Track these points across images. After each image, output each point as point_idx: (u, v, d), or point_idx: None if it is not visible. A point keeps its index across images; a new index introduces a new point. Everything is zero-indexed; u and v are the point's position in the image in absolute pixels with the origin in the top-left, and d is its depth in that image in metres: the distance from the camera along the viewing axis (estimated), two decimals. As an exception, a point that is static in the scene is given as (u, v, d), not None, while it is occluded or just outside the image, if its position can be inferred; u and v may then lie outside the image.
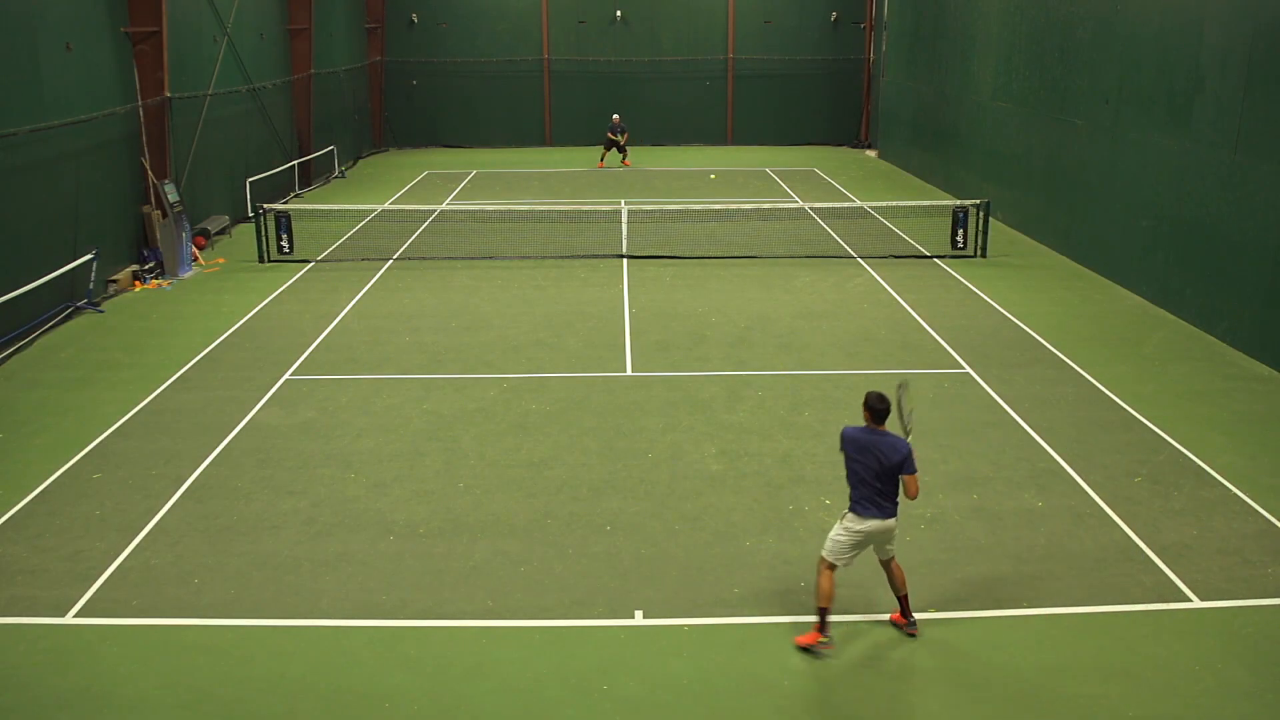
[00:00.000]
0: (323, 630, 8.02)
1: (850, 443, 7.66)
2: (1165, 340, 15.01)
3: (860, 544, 7.67)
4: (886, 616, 8.13)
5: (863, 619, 8.10)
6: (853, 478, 7.62)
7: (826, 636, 7.68)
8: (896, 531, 7.74)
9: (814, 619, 7.80)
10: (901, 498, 7.65)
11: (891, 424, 7.81)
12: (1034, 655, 7.64)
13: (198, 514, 9.84)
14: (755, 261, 19.81)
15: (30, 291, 15.10)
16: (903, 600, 7.90)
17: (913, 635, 7.86)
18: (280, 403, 12.69)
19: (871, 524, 7.57)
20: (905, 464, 7.52)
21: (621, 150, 33.20)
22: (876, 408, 7.66)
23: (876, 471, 7.50)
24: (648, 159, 34.69)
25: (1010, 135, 23.13)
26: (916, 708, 7.09)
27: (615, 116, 33.70)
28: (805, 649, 7.66)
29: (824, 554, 7.72)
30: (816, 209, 24.14)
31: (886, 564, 7.88)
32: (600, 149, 33.75)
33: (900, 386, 8.19)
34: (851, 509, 7.64)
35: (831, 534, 7.74)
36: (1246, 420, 12.00)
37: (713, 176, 31.13)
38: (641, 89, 38.16)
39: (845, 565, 7.73)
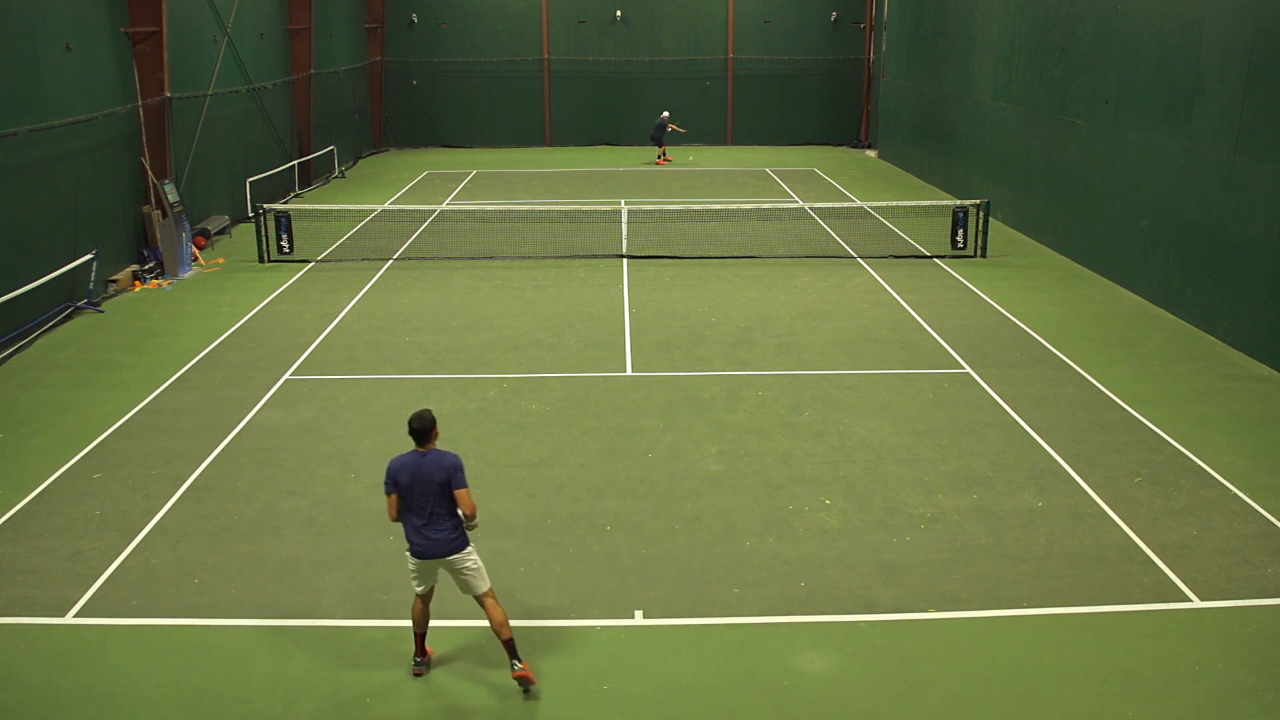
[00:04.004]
0: (323, 630, 8.02)
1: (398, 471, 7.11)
2: (1165, 340, 15.01)
3: (424, 573, 7.27)
4: (886, 616, 8.12)
5: (862, 619, 8.10)
6: (406, 509, 7.14)
7: (421, 658, 7.47)
8: (477, 564, 7.25)
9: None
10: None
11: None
12: (1034, 655, 7.64)
13: (198, 514, 9.84)
14: (755, 261, 19.81)
15: (30, 291, 15.11)
16: (507, 645, 7.19)
17: (528, 687, 7.21)
18: (280, 403, 12.69)
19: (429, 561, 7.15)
20: (454, 478, 7.07)
21: (660, 144, 34.05)
22: (415, 427, 7.11)
23: (424, 494, 7.05)
24: (648, 159, 34.69)
25: (1010, 135, 23.13)
26: (917, 707, 7.09)
27: (665, 114, 34.30)
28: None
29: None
30: (816, 209, 24.14)
31: (479, 600, 7.29)
32: (657, 149, 34.46)
33: None
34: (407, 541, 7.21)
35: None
36: (1246, 420, 12.00)
37: (691, 159, 31.38)
38: (641, 89, 38.16)
39: (424, 591, 7.34)
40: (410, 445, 7.39)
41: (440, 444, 11.26)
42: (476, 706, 7.16)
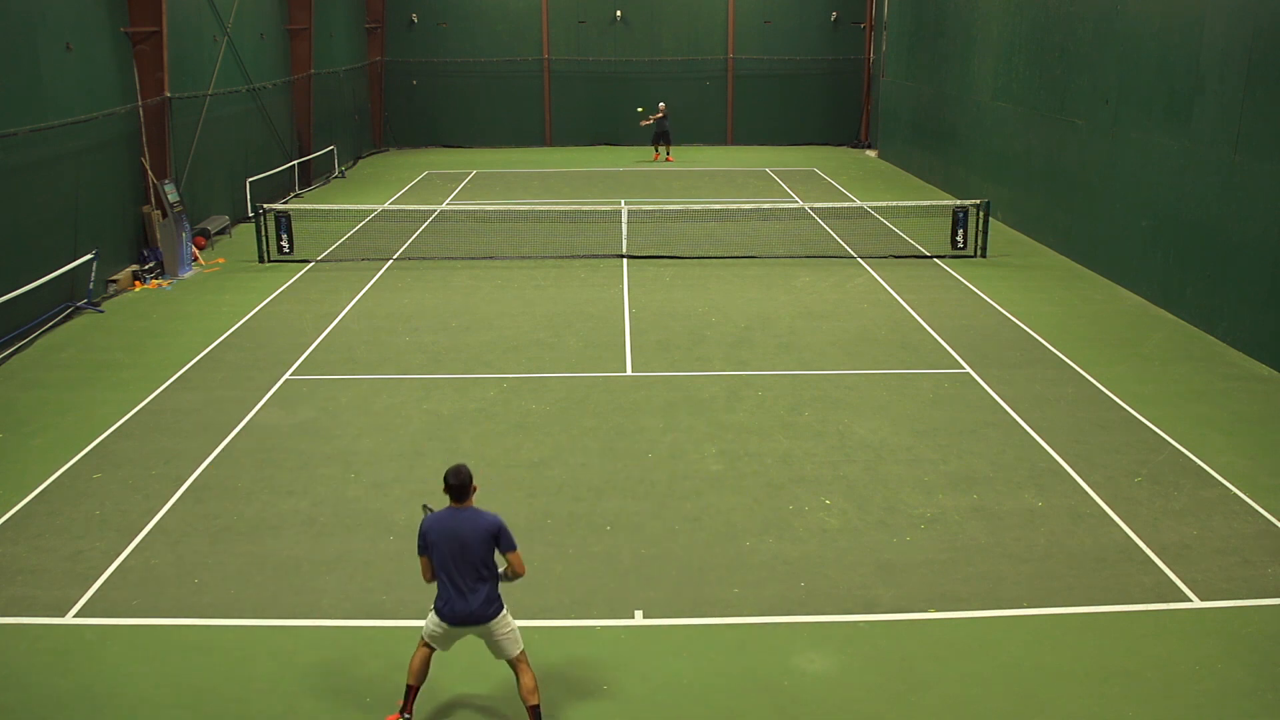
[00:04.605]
0: (323, 630, 8.02)
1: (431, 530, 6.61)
2: (1165, 340, 15.01)
3: (448, 638, 6.82)
4: (886, 616, 8.12)
5: (862, 619, 8.10)
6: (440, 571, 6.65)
7: (408, 715, 6.88)
8: (511, 628, 6.79)
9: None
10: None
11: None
12: (1034, 655, 7.64)
13: (198, 514, 9.84)
14: (755, 261, 19.81)
15: (30, 291, 15.10)
16: (532, 711, 6.76)
17: None
18: (280, 403, 12.69)
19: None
20: (503, 540, 6.61)
21: (661, 142, 34.12)
22: (452, 483, 6.60)
23: (459, 555, 6.56)
24: (646, 158, 34.69)
25: (1010, 135, 23.13)
26: (917, 707, 7.09)
27: (662, 105, 34.46)
28: None
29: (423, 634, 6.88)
30: (816, 209, 24.14)
31: (512, 664, 6.83)
32: (652, 150, 34.65)
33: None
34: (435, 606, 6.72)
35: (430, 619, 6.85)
36: (1246, 420, 12.00)
37: (640, 110, 32.31)
38: (641, 89, 38.15)
39: (437, 649, 6.90)
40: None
41: (440, 443, 11.41)
42: (477, 706, 7.16)
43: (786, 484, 10.40)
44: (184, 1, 20.91)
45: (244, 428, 11.90)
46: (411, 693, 6.86)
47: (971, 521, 9.61)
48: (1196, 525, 9.52)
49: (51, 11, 16.28)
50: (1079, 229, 19.61)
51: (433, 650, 6.87)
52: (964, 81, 26.31)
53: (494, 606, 6.65)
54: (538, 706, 6.76)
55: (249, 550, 9.20)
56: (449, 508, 6.65)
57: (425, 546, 6.64)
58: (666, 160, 34.06)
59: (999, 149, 23.83)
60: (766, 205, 25.40)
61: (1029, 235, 21.93)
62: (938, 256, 20.14)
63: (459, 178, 31.23)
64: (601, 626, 8.05)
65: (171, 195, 19.23)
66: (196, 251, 20.22)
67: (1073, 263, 19.63)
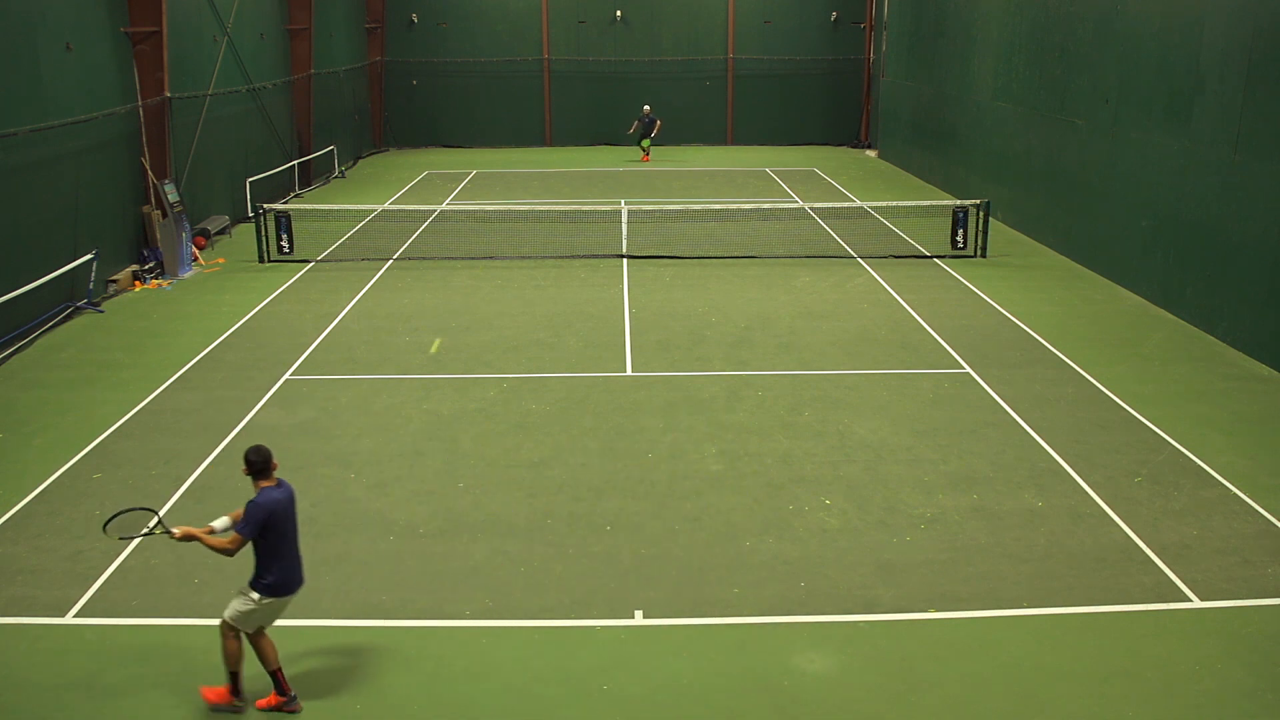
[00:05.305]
0: (323, 630, 8.02)
1: (279, 507, 6.79)
2: (1165, 340, 15.01)
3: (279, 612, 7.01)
4: (886, 616, 8.12)
5: (862, 619, 8.10)
6: (283, 546, 6.85)
7: (240, 700, 7.02)
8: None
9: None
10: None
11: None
12: (1034, 655, 7.64)
13: (198, 514, 9.83)
14: (755, 261, 19.81)
15: (30, 291, 15.11)
16: (276, 675, 7.02)
17: (295, 712, 7.04)
18: (280, 403, 12.69)
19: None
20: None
21: (647, 140, 34.29)
22: (255, 460, 6.78)
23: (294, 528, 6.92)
24: (637, 158, 34.70)
25: (1010, 135, 23.13)
26: (916, 707, 7.09)
27: (646, 108, 34.68)
28: (215, 706, 7.02)
29: (230, 620, 6.89)
30: (816, 209, 24.14)
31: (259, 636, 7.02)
32: (638, 148, 34.93)
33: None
34: (273, 588, 6.84)
35: (237, 606, 6.88)
36: (1246, 420, 12.00)
37: (636, 135, 33.33)
38: (641, 89, 38.14)
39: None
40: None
41: (440, 443, 11.42)
42: (477, 706, 7.16)
43: (786, 484, 10.40)
44: (184, 1, 20.91)
45: (244, 428, 11.90)
46: (235, 677, 6.99)
47: (971, 521, 9.61)
48: (1196, 525, 9.52)
49: (51, 11, 16.28)
50: (1079, 229, 19.61)
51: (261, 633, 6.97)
52: (964, 81, 26.31)
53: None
54: (280, 670, 7.04)
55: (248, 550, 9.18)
56: (268, 487, 6.79)
57: (263, 529, 6.70)
58: (644, 160, 34.14)
59: (999, 149, 23.83)
60: (766, 205, 25.40)
61: (1029, 235, 21.93)
62: (938, 256, 20.14)
63: (459, 178, 31.23)
64: (601, 626, 8.05)
65: (171, 195, 19.23)
66: (196, 251, 20.22)
67: (1073, 263, 19.63)
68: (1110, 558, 8.96)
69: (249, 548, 6.81)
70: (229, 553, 6.72)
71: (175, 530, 6.78)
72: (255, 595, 6.83)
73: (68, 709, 7.11)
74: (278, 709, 7.04)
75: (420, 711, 7.09)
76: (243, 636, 6.95)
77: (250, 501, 6.75)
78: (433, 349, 9.06)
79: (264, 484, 6.82)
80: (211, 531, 6.85)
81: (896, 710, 7.07)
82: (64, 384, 13.42)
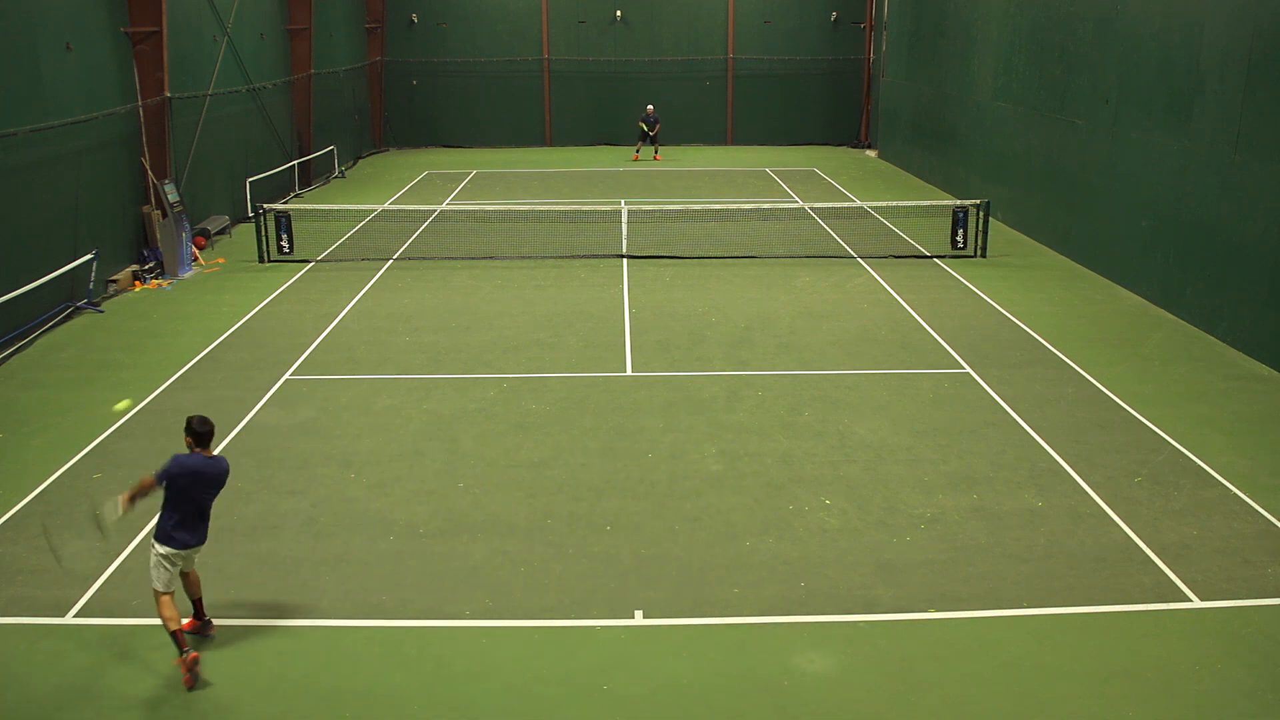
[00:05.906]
0: (323, 630, 8.02)
1: (191, 468, 7.54)
2: (1165, 340, 15.01)
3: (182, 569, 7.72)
4: (886, 616, 8.12)
5: (862, 619, 8.10)
6: (183, 504, 7.54)
7: (184, 652, 7.40)
8: None
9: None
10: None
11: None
12: (1034, 655, 7.64)
13: (198, 514, 9.83)
14: (755, 261, 19.81)
15: (30, 291, 15.10)
16: (197, 603, 7.93)
17: (210, 635, 7.89)
18: (280, 403, 12.69)
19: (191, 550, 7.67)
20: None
21: (654, 142, 34.52)
22: (200, 430, 7.61)
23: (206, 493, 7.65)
24: (645, 157, 34.70)
25: (1010, 135, 23.13)
26: (916, 707, 7.09)
27: (650, 108, 34.81)
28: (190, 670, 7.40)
29: (157, 587, 7.52)
30: (816, 209, 24.14)
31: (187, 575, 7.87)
32: (636, 144, 35.14)
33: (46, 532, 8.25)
34: (172, 539, 7.52)
35: (154, 569, 7.53)
36: (1246, 420, 12.00)
37: (579, 19, 33.47)
38: (641, 89, 38.14)
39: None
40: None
41: (440, 443, 11.42)
42: (477, 706, 7.16)
43: (786, 484, 10.40)
44: (184, 1, 20.91)
45: (244, 428, 11.90)
46: (178, 635, 7.42)
47: (971, 521, 9.61)
48: (1196, 525, 9.52)
49: (51, 11, 16.28)
50: (1079, 229, 19.61)
51: (172, 594, 7.56)
52: (964, 81, 26.31)
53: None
54: (200, 599, 7.93)
55: (249, 550, 9.20)
56: (199, 453, 7.59)
57: (170, 480, 7.46)
58: (633, 159, 34.42)
59: (999, 149, 23.83)
60: (766, 205, 25.41)
61: (1029, 235, 21.93)
62: (938, 256, 20.14)
63: (459, 178, 31.23)
64: (601, 626, 8.05)
65: (171, 195, 19.23)
66: (196, 251, 20.22)
67: (1073, 263, 19.63)
68: (1110, 558, 8.96)
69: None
70: (145, 492, 7.51)
71: (120, 503, 7.55)
72: (153, 542, 7.55)
73: (68, 709, 7.12)
74: (194, 632, 7.85)
75: (420, 711, 7.09)
76: (171, 598, 7.53)
77: (174, 454, 7.57)
78: (119, 406, 9.44)
79: (199, 451, 7.60)
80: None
81: (896, 710, 7.08)
82: (64, 384, 13.42)
